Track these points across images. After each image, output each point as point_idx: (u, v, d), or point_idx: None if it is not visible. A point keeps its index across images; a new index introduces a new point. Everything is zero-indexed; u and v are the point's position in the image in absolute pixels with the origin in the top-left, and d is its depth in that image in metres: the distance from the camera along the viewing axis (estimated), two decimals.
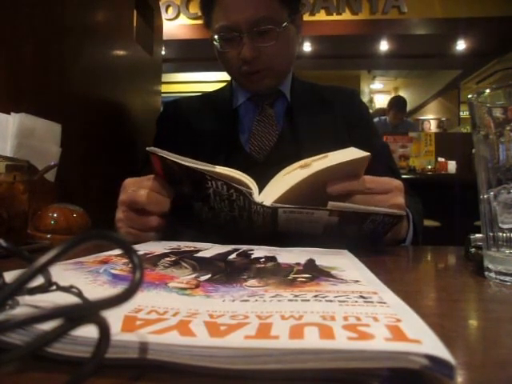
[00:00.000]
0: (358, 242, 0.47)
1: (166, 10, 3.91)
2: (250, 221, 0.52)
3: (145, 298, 0.21)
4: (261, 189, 0.55)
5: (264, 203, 0.50)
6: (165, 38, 1.56)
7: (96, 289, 0.23)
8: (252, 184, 0.52)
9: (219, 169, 0.53)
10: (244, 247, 0.44)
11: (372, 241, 0.53)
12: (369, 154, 0.51)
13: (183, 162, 0.51)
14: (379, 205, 0.53)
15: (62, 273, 0.27)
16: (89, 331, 0.13)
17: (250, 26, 0.74)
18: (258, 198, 0.51)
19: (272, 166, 0.78)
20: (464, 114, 6.26)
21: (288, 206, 0.49)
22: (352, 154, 0.52)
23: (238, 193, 0.50)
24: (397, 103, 3.65)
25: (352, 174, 0.52)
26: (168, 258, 0.35)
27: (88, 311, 0.12)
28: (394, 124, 3.64)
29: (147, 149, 0.52)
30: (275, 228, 0.52)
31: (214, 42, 0.79)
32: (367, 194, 0.53)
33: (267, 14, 0.74)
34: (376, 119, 3.64)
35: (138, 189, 0.55)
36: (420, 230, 0.69)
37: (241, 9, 0.74)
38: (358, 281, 0.26)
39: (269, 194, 0.52)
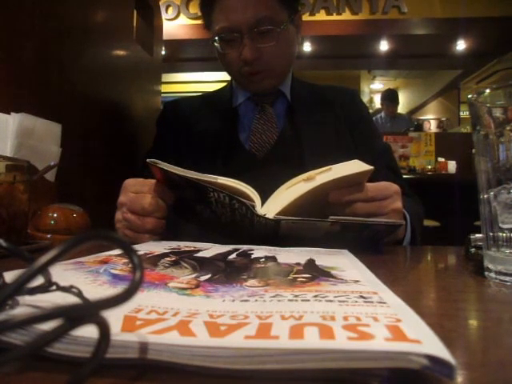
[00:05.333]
0: (358, 245, 0.47)
1: (166, 10, 3.91)
2: (252, 226, 0.52)
3: (145, 298, 0.21)
4: (261, 188, 0.55)
5: (267, 215, 0.50)
6: (165, 38, 1.56)
7: (96, 289, 0.23)
8: (254, 195, 0.52)
9: (221, 180, 0.52)
10: (244, 247, 0.44)
11: (372, 244, 0.53)
12: (372, 167, 0.51)
13: (184, 174, 0.50)
14: (379, 211, 0.53)
15: (62, 273, 0.27)
16: (89, 331, 0.13)
17: (251, 26, 0.74)
18: (261, 210, 0.51)
19: (272, 164, 0.79)
20: (464, 113, 6.26)
21: (290, 218, 0.49)
22: (356, 167, 0.52)
23: (241, 204, 0.50)
24: (387, 96, 4.02)
25: (354, 183, 0.52)
26: (168, 258, 0.35)
27: (88, 311, 0.12)
28: (390, 116, 3.97)
29: (148, 161, 0.52)
30: (277, 234, 0.52)
31: (215, 44, 0.79)
32: (368, 201, 0.53)
33: (267, 15, 0.74)
34: (374, 117, 3.87)
35: (140, 193, 0.55)
36: (419, 232, 0.69)
37: (241, 10, 0.74)
38: (358, 281, 0.26)
39: (272, 207, 0.52)
